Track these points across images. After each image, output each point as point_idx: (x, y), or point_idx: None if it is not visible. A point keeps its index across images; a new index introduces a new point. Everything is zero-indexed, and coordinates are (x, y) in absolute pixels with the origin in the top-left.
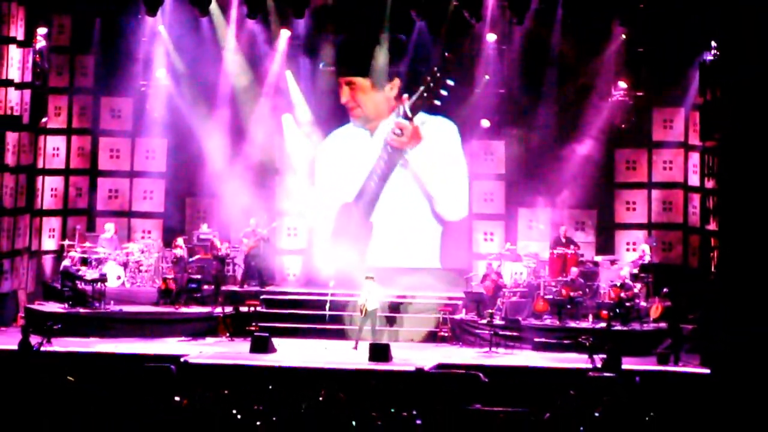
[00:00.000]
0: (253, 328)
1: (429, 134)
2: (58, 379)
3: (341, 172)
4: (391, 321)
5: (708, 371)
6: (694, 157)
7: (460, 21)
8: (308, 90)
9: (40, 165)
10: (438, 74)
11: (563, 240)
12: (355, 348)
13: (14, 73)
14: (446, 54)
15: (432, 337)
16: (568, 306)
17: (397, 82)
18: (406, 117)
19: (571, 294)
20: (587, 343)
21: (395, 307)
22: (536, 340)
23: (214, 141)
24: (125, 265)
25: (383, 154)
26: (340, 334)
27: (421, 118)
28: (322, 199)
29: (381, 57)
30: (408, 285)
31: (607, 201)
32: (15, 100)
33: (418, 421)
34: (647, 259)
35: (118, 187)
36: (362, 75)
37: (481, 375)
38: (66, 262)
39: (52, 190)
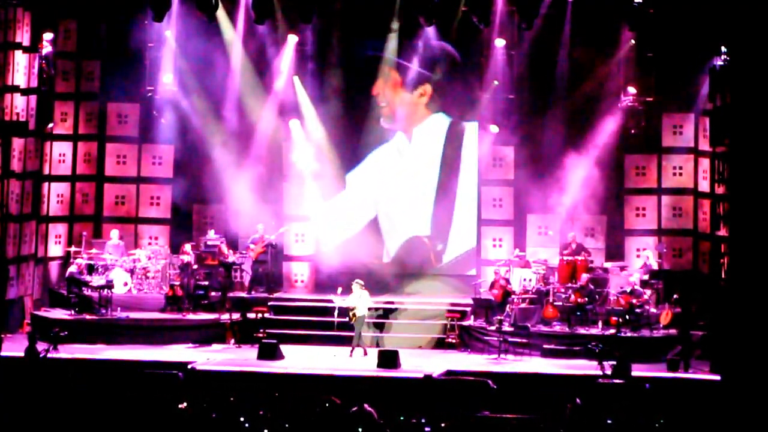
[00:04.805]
0: (260, 335)
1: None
2: (65, 385)
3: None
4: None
5: (718, 378)
6: (704, 163)
7: (469, 26)
8: (315, 95)
9: (46, 171)
10: None
11: (573, 246)
12: (364, 354)
13: (20, 79)
14: None
15: (434, 344)
16: (578, 312)
17: (428, 89)
18: None
19: (581, 300)
20: (597, 350)
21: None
22: (545, 346)
23: (222, 147)
24: (132, 271)
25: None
26: (349, 341)
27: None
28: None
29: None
30: (411, 290)
31: (616, 207)
32: (21, 105)
33: (427, 429)
34: (654, 265)
35: (124, 193)
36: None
37: (490, 382)
38: (72, 269)
39: (58, 196)
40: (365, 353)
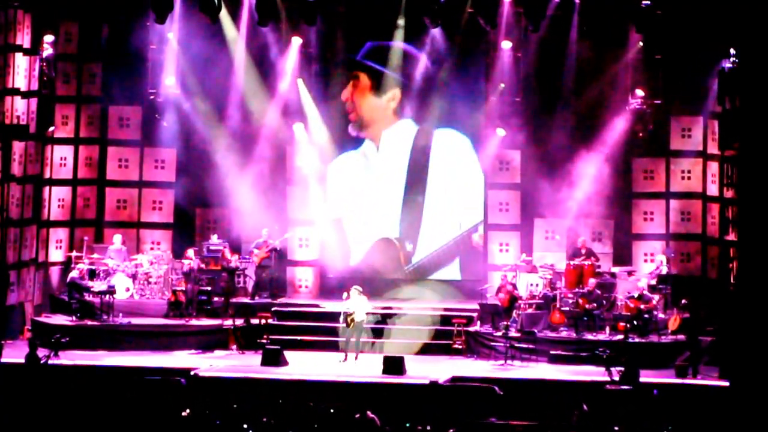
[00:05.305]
0: (264, 341)
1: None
2: (66, 392)
3: (351, 190)
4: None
5: (727, 384)
6: (713, 167)
7: (475, 28)
8: (319, 98)
9: (47, 175)
10: None
11: (582, 251)
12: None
13: (21, 82)
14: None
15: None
16: (585, 318)
17: (397, 94)
18: None
19: (588, 306)
20: (604, 356)
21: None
22: (552, 352)
23: (225, 149)
24: (134, 276)
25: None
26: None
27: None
28: (332, 212)
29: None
30: (410, 296)
31: (624, 211)
32: (21, 109)
33: None
34: (664, 270)
35: (126, 198)
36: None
37: (496, 388)
38: (73, 274)
39: (59, 200)
40: (356, 357)
